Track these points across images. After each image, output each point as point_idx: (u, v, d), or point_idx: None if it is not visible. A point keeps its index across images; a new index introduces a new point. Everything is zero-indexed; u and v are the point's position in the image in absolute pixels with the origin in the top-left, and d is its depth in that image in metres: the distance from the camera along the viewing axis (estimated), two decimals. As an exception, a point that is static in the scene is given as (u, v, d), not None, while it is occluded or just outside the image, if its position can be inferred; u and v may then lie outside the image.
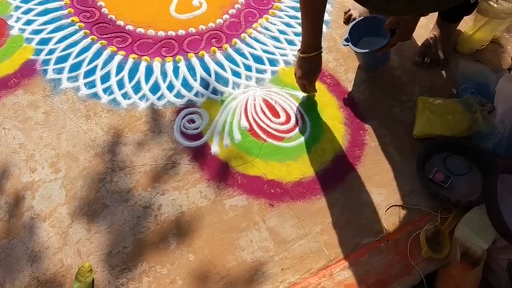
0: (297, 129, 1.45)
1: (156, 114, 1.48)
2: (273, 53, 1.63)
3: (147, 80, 1.55)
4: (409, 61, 1.61)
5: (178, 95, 1.52)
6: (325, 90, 1.53)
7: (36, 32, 1.67)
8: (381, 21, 1.43)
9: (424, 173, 1.34)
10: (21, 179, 1.34)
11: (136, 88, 1.53)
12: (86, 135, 1.42)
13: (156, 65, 1.59)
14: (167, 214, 1.29)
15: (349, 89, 1.54)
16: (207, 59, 1.61)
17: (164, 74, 1.57)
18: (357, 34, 1.50)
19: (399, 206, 1.31)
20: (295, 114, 1.48)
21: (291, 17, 1.75)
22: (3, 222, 1.27)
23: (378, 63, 1.54)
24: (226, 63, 1.60)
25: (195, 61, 1.60)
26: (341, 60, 1.60)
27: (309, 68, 1.39)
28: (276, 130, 1.44)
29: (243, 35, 1.68)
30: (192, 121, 1.46)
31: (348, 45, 1.47)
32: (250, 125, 1.45)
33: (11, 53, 1.61)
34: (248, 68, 1.59)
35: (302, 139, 1.43)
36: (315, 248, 1.24)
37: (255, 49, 1.64)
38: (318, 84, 1.53)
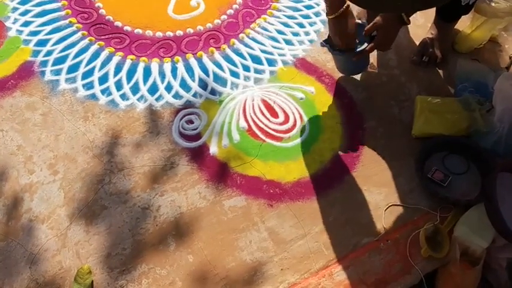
0: (295, 129, 1.44)
1: (154, 115, 1.47)
2: (271, 53, 1.63)
3: (145, 80, 1.55)
4: (407, 60, 1.61)
5: (177, 96, 1.51)
6: (323, 90, 1.53)
7: (34, 33, 1.67)
8: (362, 28, 1.40)
9: (423, 172, 1.34)
10: (20, 181, 1.34)
11: (135, 89, 1.53)
12: (84, 137, 1.42)
13: (154, 65, 1.59)
14: (166, 215, 1.28)
15: (348, 88, 1.54)
16: (205, 59, 1.61)
17: (162, 75, 1.56)
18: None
19: (398, 205, 1.31)
20: (294, 114, 1.48)
21: (288, 17, 1.75)
22: (2, 224, 1.27)
23: (355, 68, 1.53)
24: (224, 64, 1.60)
25: (193, 62, 1.60)
26: (339, 60, 1.60)
27: (336, 30, 1.34)
28: (274, 130, 1.44)
29: (241, 35, 1.68)
30: (191, 122, 1.46)
31: (326, 46, 1.43)
32: (248, 125, 1.45)
33: (8, 55, 1.60)
34: (246, 68, 1.59)
35: (300, 139, 1.42)
36: (314, 248, 1.23)
37: (253, 49, 1.64)
38: (316, 84, 1.53)
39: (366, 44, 1.39)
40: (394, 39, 1.39)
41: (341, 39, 1.36)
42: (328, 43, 1.43)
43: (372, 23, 1.37)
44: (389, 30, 1.36)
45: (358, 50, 1.39)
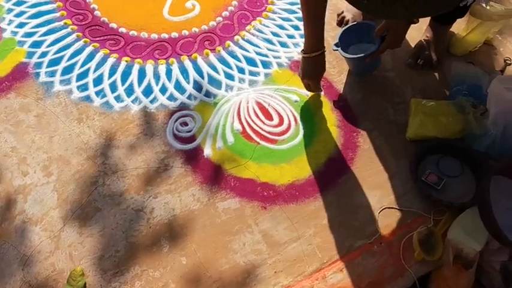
0: (290, 132, 1.44)
1: (148, 117, 1.47)
2: (266, 55, 1.63)
3: (139, 82, 1.55)
4: (402, 63, 1.61)
5: (171, 98, 1.51)
6: (318, 93, 1.53)
7: (29, 34, 1.66)
8: (372, 28, 1.44)
9: (417, 175, 1.34)
10: (13, 183, 1.34)
11: (129, 91, 1.53)
12: (78, 139, 1.42)
13: (149, 67, 1.58)
14: (160, 217, 1.28)
15: (342, 91, 1.54)
16: (200, 61, 1.61)
17: (157, 77, 1.56)
18: (348, 40, 1.50)
19: (392, 208, 1.30)
20: (288, 117, 1.48)
21: (284, 19, 1.75)
22: (-5, 226, 1.27)
23: (367, 69, 1.55)
24: (219, 66, 1.60)
25: (188, 64, 1.60)
26: (334, 62, 1.60)
27: (312, 68, 1.40)
28: (269, 133, 1.44)
29: (236, 37, 1.68)
30: (185, 124, 1.46)
31: (337, 50, 1.48)
32: (243, 127, 1.45)
33: (3, 56, 1.60)
34: (241, 70, 1.59)
35: (295, 141, 1.42)
36: (308, 251, 1.23)
37: (248, 51, 1.64)
38: (311, 87, 1.54)
39: (376, 46, 1.41)
40: (404, 37, 1.43)
41: (307, 79, 1.43)
42: (339, 47, 1.47)
43: (381, 25, 1.40)
44: (399, 31, 1.39)
45: (369, 52, 1.41)
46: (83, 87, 1.53)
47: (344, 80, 1.56)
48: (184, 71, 1.58)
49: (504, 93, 1.29)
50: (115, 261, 1.22)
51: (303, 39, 1.66)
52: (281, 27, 1.72)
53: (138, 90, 1.53)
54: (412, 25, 1.41)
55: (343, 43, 1.49)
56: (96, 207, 1.30)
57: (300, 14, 1.76)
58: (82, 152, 1.39)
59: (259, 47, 1.65)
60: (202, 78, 1.56)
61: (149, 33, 1.68)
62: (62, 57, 1.60)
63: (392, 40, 1.40)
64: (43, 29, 1.68)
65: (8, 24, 1.70)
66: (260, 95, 1.52)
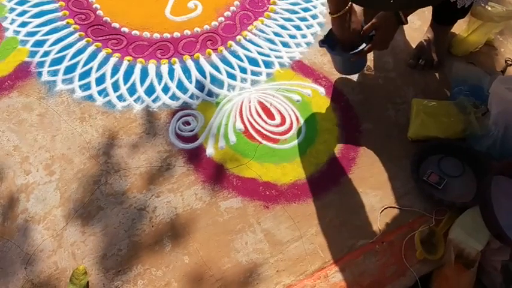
0: (292, 131, 1.45)
1: (151, 116, 1.48)
2: (268, 55, 1.63)
3: (142, 82, 1.55)
4: (404, 63, 1.61)
5: (174, 97, 1.52)
6: (320, 92, 1.54)
7: (31, 34, 1.67)
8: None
9: (419, 175, 1.34)
10: (16, 182, 1.34)
11: (132, 90, 1.53)
12: (80, 138, 1.42)
13: (151, 67, 1.59)
14: (162, 216, 1.28)
15: (344, 91, 1.54)
16: (202, 61, 1.61)
17: (159, 76, 1.57)
18: (335, 38, 1.49)
19: (394, 207, 1.31)
20: (290, 117, 1.48)
21: (286, 19, 1.75)
22: (-3, 224, 1.27)
23: (352, 69, 1.53)
24: (221, 66, 1.60)
25: (190, 63, 1.60)
26: (336, 63, 1.60)
27: (341, 28, 1.33)
28: (271, 132, 1.44)
29: (238, 37, 1.69)
30: (187, 123, 1.46)
31: (324, 46, 1.43)
32: (245, 127, 1.45)
33: (5, 55, 1.60)
34: (243, 70, 1.59)
35: (297, 141, 1.43)
36: (310, 250, 1.24)
37: (250, 51, 1.64)
38: (313, 87, 1.54)
39: (364, 45, 1.39)
40: (392, 38, 1.40)
41: (344, 37, 1.35)
42: (326, 43, 1.44)
43: (369, 24, 1.37)
44: (387, 30, 1.37)
45: (356, 50, 1.39)
46: (86, 87, 1.53)
47: (346, 80, 1.57)
48: (186, 71, 1.58)
49: (505, 94, 1.30)
50: (117, 259, 1.22)
51: (305, 40, 1.69)
52: (283, 27, 1.73)
53: (140, 90, 1.53)
54: (413, 26, 1.41)
55: (330, 41, 1.44)
56: (98, 206, 1.30)
57: (302, 14, 1.77)
58: (84, 151, 1.40)
59: (261, 47, 1.66)
60: (205, 77, 1.57)
61: (151, 33, 1.68)
62: (64, 57, 1.61)
63: (379, 40, 1.37)
64: (45, 28, 1.68)
65: (11, 23, 1.70)
66: (262, 95, 1.53)
